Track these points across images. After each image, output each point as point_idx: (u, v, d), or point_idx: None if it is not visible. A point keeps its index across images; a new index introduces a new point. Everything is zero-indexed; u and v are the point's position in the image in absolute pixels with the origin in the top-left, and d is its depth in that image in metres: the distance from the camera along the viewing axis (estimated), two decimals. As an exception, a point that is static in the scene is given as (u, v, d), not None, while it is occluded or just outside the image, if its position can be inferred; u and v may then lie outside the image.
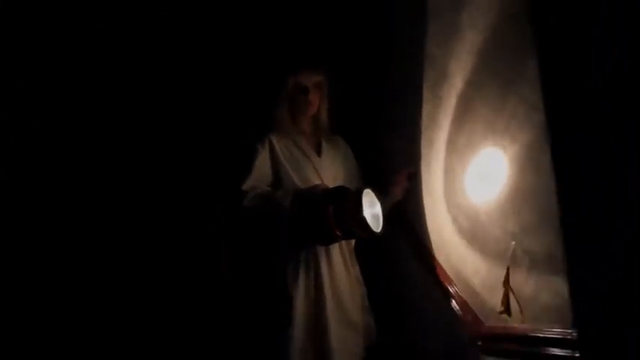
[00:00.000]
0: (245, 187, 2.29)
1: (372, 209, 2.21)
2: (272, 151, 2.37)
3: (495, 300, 1.95)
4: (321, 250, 2.28)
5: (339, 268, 2.31)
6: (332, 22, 2.86)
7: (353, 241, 2.41)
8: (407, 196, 2.43)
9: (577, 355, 1.54)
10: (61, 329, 2.75)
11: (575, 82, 1.16)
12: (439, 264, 2.29)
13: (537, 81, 1.39)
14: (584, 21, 1.15)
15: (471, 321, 2.08)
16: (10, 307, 2.74)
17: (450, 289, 2.19)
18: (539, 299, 1.84)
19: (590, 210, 1.13)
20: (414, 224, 2.46)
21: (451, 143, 2.28)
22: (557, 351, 1.66)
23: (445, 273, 2.25)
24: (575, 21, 1.17)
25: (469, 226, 2.18)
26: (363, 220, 2.14)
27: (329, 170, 2.43)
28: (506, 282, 1.90)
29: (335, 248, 2.32)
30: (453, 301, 2.16)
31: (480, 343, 2.01)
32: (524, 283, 1.89)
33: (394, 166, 2.54)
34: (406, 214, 2.49)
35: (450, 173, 2.30)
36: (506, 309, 1.89)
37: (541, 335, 1.72)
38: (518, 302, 1.88)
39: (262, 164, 2.35)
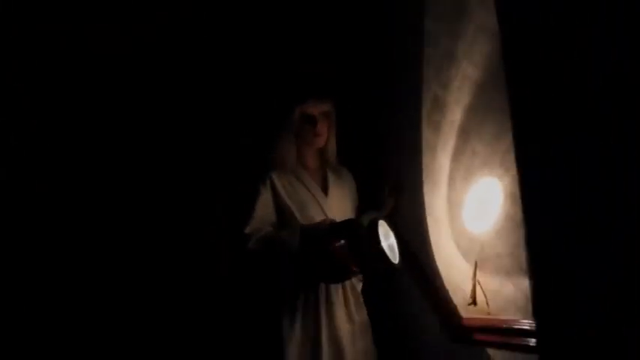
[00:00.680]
0: (248, 230, 2.18)
1: (387, 240, 2.10)
2: (274, 189, 2.27)
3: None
4: (322, 298, 2.17)
5: (340, 321, 2.19)
6: (336, 49, 2.81)
7: (360, 285, 2.32)
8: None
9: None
10: (61, 329, 2.75)
11: (575, 82, 1.16)
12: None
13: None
14: (584, 21, 1.15)
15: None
16: (10, 307, 2.74)
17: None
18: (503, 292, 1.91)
19: (590, 210, 1.14)
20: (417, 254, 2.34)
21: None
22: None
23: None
24: (575, 21, 1.17)
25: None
26: (382, 251, 2.03)
27: (336, 209, 2.31)
28: (474, 276, 1.97)
29: (338, 296, 2.21)
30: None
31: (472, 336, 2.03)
32: (491, 279, 1.96)
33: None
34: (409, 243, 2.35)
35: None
36: (474, 301, 1.97)
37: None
38: (485, 295, 1.96)
39: (265, 205, 2.25)
